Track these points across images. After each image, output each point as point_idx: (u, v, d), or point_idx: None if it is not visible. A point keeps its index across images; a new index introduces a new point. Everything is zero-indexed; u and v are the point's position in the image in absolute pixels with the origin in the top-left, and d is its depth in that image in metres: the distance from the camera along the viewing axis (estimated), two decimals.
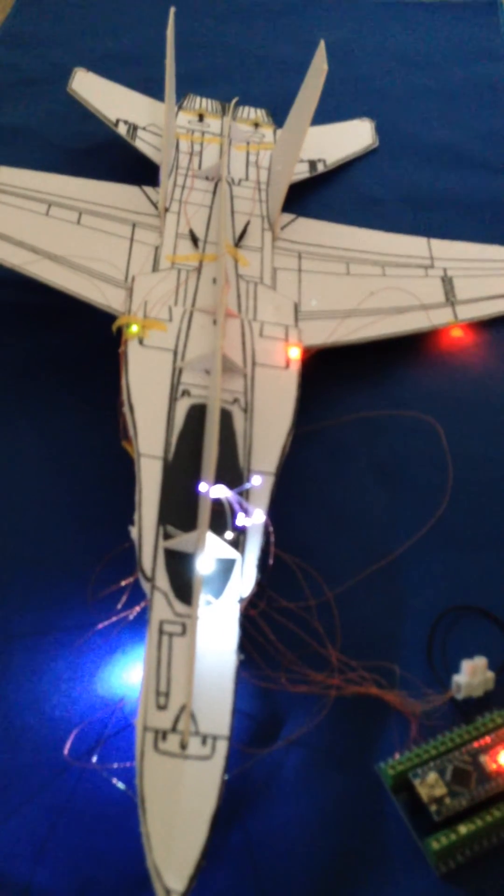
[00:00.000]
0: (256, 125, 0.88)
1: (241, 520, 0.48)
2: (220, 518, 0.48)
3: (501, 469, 0.61)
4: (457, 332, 0.69)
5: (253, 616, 0.48)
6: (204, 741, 0.40)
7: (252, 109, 0.92)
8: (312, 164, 0.85)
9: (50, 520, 0.56)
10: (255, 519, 0.49)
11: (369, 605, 0.52)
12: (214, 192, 0.74)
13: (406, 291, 0.69)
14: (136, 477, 0.50)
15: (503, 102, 0.99)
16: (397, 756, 0.44)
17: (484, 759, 0.43)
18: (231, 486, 0.49)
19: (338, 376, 0.65)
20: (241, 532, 0.48)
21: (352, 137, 0.91)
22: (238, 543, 0.48)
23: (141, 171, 0.79)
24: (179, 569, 0.46)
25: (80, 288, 0.63)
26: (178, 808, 0.38)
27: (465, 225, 0.81)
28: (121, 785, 0.43)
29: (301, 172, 0.83)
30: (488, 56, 1.07)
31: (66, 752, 0.45)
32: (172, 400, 0.54)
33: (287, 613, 0.50)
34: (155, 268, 0.66)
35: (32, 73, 1.01)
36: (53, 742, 0.45)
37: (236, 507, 0.48)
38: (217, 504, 0.48)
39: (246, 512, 0.48)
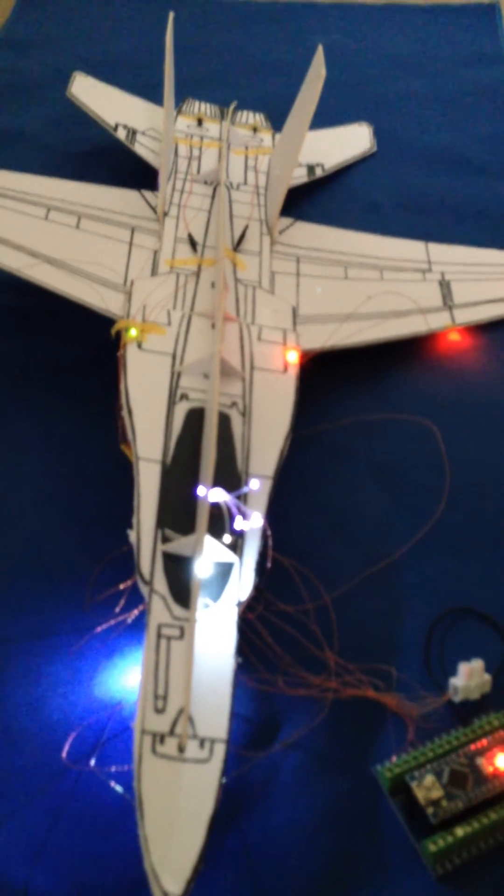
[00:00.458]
0: (255, 130, 0.88)
1: (239, 523, 0.48)
2: (219, 522, 0.48)
3: (498, 472, 0.61)
4: (454, 336, 0.70)
5: (251, 619, 0.48)
6: (202, 744, 0.40)
7: (251, 114, 0.92)
8: (311, 168, 0.85)
9: (48, 523, 0.56)
10: (253, 522, 0.49)
11: (366, 608, 0.52)
12: (213, 197, 0.75)
13: (404, 295, 0.69)
14: (135, 480, 0.50)
15: (501, 107, 0.99)
16: (394, 759, 0.44)
17: (481, 761, 0.44)
18: (229, 489, 0.49)
19: (336, 380, 0.65)
20: (239, 535, 0.48)
21: (350, 142, 0.92)
22: (236, 547, 0.48)
23: (140, 175, 0.79)
24: (178, 572, 0.46)
25: (79, 292, 0.63)
26: (176, 812, 0.38)
27: (462, 229, 0.81)
28: (119, 788, 0.43)
29: (299, 177, 0.83)
30: (486, 60, 1.07)
31: (64, 755, 0.45)
32: (171, 403, 0.54)
33: (285, 617, 0.50)
34: (154, 272, 0.66)
35: (32, 77, 1.01)
36: (51, 745, 0.46)
37: (234, 510, 0.48)
38: (215, 508, 0.48)
39: (244, 515, 0.49)
